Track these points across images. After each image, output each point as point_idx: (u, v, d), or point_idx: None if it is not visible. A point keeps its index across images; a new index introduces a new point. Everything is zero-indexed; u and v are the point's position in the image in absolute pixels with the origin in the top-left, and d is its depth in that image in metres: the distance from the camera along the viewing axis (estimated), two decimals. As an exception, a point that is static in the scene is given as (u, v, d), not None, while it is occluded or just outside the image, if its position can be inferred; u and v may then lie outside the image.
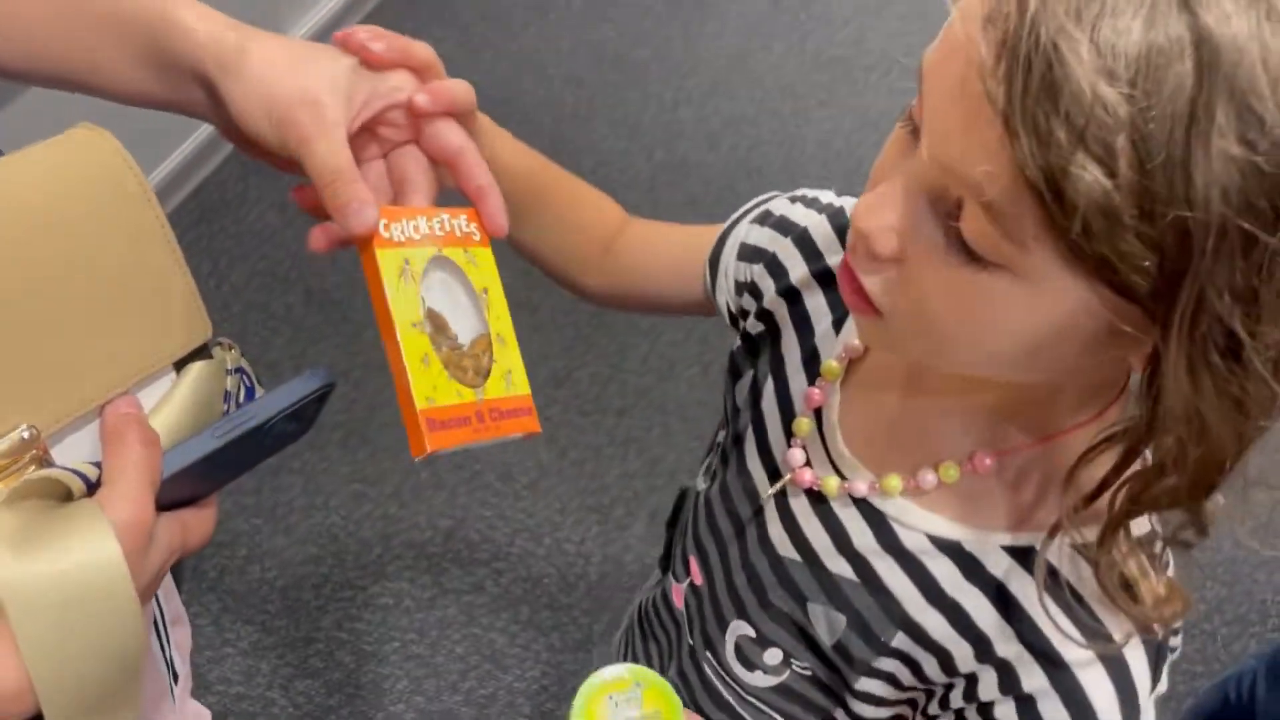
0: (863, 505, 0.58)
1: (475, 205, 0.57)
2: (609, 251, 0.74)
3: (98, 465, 0.44)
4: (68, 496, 0.43)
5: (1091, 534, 0.48)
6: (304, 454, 1.70)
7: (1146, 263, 0.36)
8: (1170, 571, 0.53)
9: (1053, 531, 0.49)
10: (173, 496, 0.46)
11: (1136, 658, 0.51)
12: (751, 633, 0.65)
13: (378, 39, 0.55)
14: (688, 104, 2.27)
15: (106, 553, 0.41)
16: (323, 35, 2.26)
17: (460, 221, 0.57)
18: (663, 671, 0.70)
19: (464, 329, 0.56)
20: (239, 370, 0.51)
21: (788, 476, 0.61)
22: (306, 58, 0.52)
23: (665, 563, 0.79)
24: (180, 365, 0.49)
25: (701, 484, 0.72)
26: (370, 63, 0.55)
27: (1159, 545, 0.51)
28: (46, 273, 0.44)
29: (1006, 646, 0.53)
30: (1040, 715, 0.52)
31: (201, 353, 0.49)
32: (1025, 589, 0.52)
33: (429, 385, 0.52)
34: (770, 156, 2.16)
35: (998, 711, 0.53)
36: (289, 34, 2.26)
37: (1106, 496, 0.47)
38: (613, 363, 1.86)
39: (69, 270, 0.45)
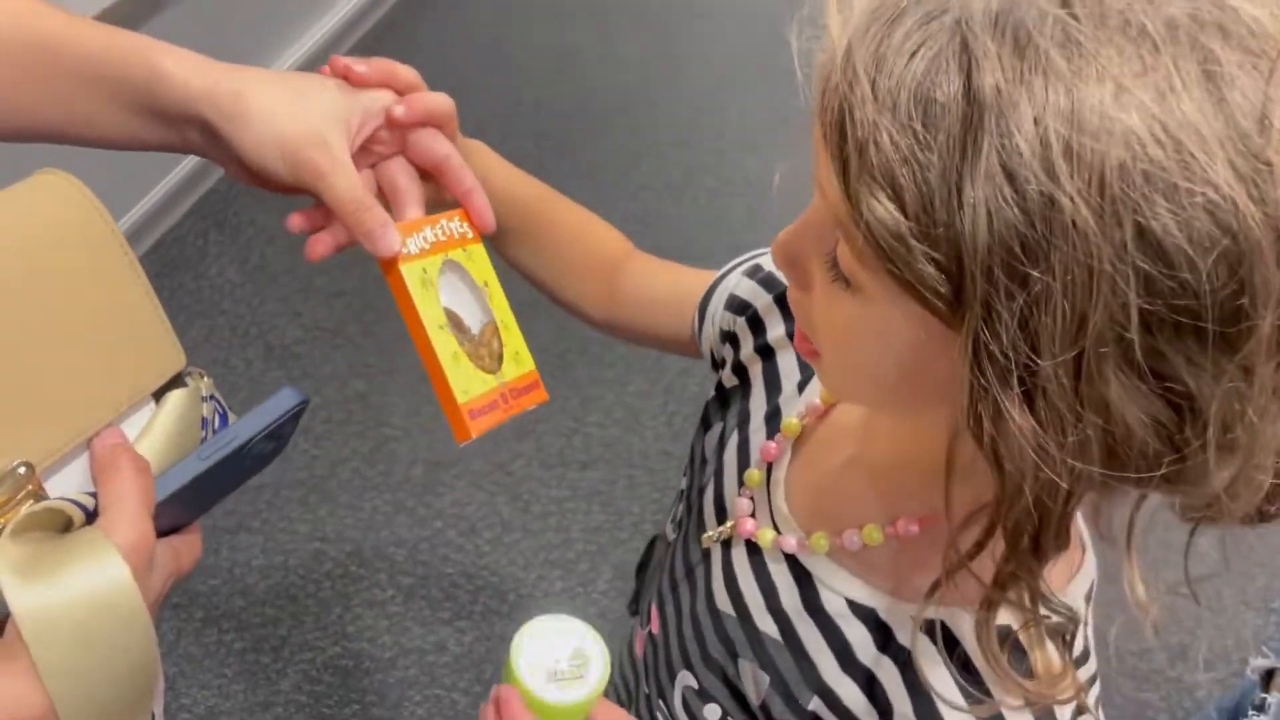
0: (792, 562, 0.59)
1: (463, 206, 0.63)
2: (611, 283, 0.77)
3: (92, 495, 0.46)
4: (68, 526, 0.45)
5: (1006, 617, 0.49)
6: (263, 513, 1.67)
7: (942, 288, 0.39)
8: (1089, 647, 0.55)
9: (930, 592, 0.50)
10: (163, 523, 0.47)
11: None
12: (695, 684, 0.66)
13: (361, 62, 0.59)
14: (652, 156, 2.29)
15: (117, 574, 0.42)
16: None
17: (455, 224, 0.62)
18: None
19: (474, 320, 0.61)
20: (212, 397, 0.53)
21: (729, 524, 0.63)
22: (303, 94, 0.56)
23: (634, 607, 0.80)
24: (158, 395, 0.51)
25: (671, 533, 0.73)
26: (354, 82, 0.59)
27: (1071, 628, 0.52)
28: (25, 314, 0.46)
29: (903, 710, 0.54)
30: None
31: (177, 382, 0.52)
32: (928, 663, 0.53)
33: (464, 379, 0.58)
34: (733, 206, 2.17)
35: None
36: (273, 65, 2.27)
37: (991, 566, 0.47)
38: (576, 415, 1.85)
39: (47, 310, 0.46)
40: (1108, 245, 0.36)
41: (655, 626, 0.71)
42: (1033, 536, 0.44)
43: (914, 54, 0.38)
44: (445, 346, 0.58)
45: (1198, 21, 0.37)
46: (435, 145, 0.61)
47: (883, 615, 0.56)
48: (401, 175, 0.61)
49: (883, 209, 0.39)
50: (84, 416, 0.48)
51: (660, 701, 0.70)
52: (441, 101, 0.61)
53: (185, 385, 0.52)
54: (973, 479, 0.47)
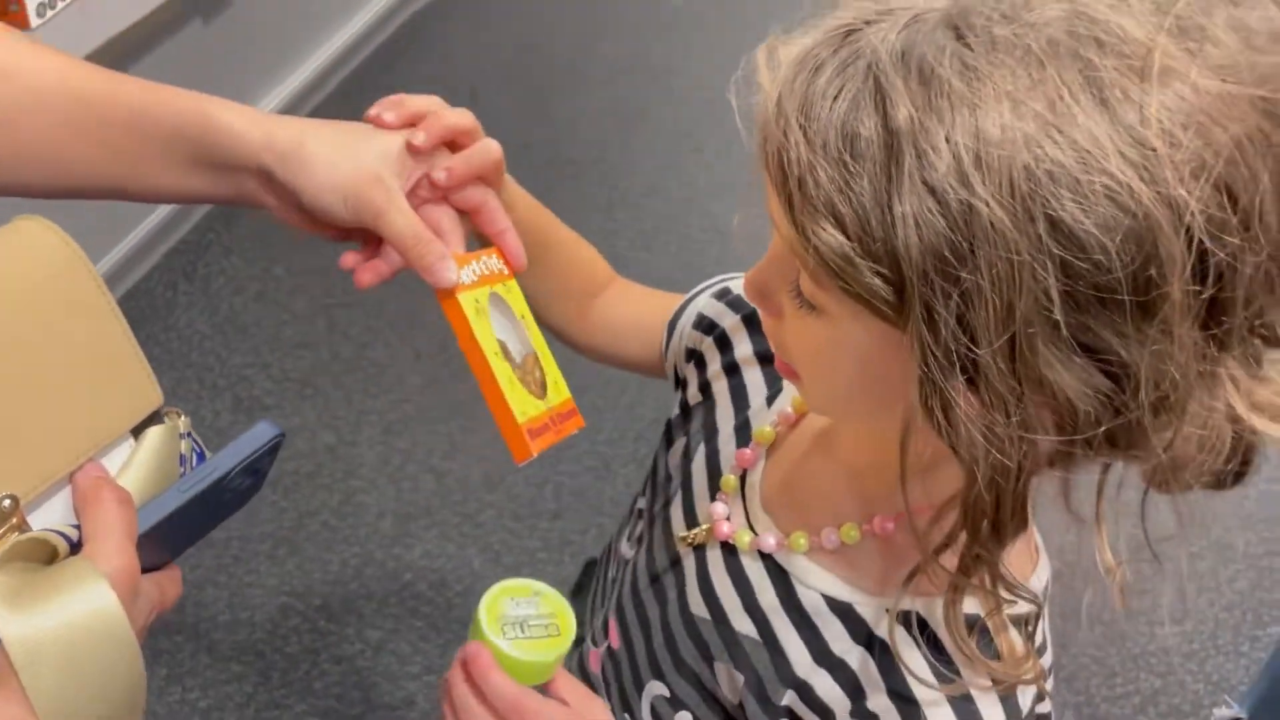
0: (769, 562, 0.62)
1: (497, 245, 0.67)
2: (593, 305, 0.81)
3: (75, 528, 0.47)
4: (53, 557, 0.46)
5: (973, 605, 0.53)
6: (229, 567, 1.65)
7: (888, 296, 0.44)
8: (1046, 643, 0.59)
9: (907, 581, 0.54)
10: (143, 559, 0.48)
11: (991, 707, 0.56)
12: (666, 693, 0.68)
13: (431, 131, 0.62)
14: (623, 206, 2.31)
15: (104, 601, 0.43)
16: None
17: (492, 260, 0.66)
18: None
19: (516, 350, 0.64)
20: (189, 435, 0.55)
21: (705, 526, 0.65)
22: (356, 139, 0.59)
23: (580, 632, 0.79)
24: (136, 432, 0.52)
25: (628, 551, 0.75)
26: (388, 128, 0.62)
27: (1033, 619, 0.57)
28: (7, 352, 0.47)
29: (876, 700, 0.57)
30: None
31: (154, 419, 0.53)
32: (904, 648, 0.56)
33: (521, 402, 0.61)
34: (705, 253, 2.19)
35: None
36: (259, 103, 2.27)
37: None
38: (548, 464, 1.84)
39: (28, 349, 0.48)
40: (1024, 239, 0.41)
41: (615, 641, 0.72)
42: (991, 519, 0.47)
43: (835, 97, 0.43)
44: (503, 372, 0.61)
45: (1075, 37, 0.42)
46: (475, 193, 0.65)
47: (859, 610, 0.59)
48: (445, 217, 0.64)
49: (828, 234, 0.44)
50: (66, 452, 0.49)
51: (625, 715, 0.71)
52: (491, 157, 0.64)
53: (163, 422, 0.53)
54: (935, 475, 0.52)
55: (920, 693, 0.56)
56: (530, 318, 0.67)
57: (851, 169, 0.43)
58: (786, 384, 0.67)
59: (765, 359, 0.69)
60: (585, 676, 0.76)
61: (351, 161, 0.58)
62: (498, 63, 2.66)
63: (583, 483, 1.82)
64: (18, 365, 0.48)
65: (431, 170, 0.63)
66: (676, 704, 0.67)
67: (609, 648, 0.74)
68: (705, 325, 0.72)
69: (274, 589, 1.64)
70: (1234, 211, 0.41)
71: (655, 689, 0.69)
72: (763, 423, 0.66)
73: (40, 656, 0.42)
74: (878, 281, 0.44)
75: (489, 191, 0.65)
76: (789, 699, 0.60)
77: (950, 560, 0.51)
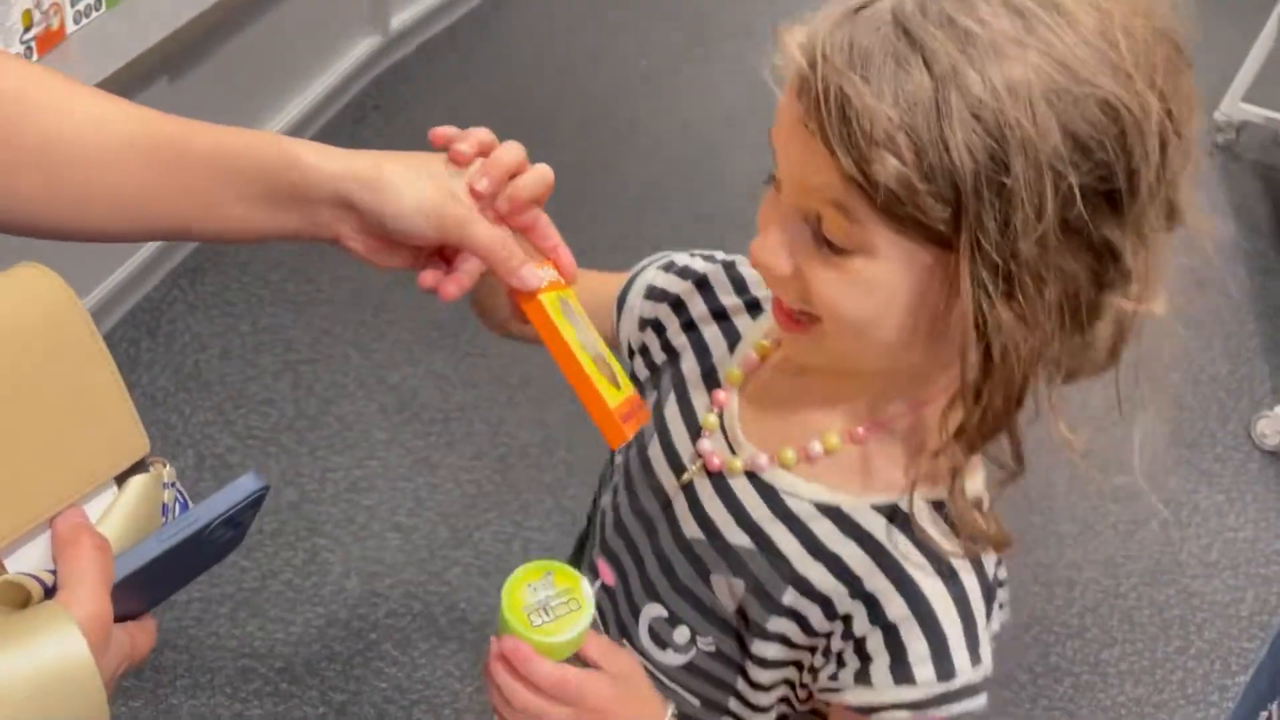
0: (757, 482, 0.69)
1: (551, 259, 0.71)
2: None
3: (51, 573, 0.47)
4: (26, 601, 0.46)
5: (941, 491, 0.63)
6: (189, 629, 1.61)
7: (943, 212, 0.53)
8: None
9: (910, 470, 0.63)
10: (118, 608, 0.48)
11: (968, 573, 0.65)
12: (664, 613, 0.75)
13: (493, 178, 0.66)
14: (592, 254, 2.32)
15: (74, 648, 0.44)
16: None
17: (549, 271, 0.70)
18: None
19: (589, 349, 0.68)
20: (174, 485, 0.55)
21: (698, 464, 0.72)
22: (425, 163, 0.63)
23: None
24: (121, 479, 0.53)
25: (607, 500, 0.81)
26: (454, 159, 0.66)
27: (987, 500, 0.65)
28: (7, 399, 0.48)
29: (873, 581, 0.65)
30: (902, 641, 0.64)
31: (139, 468, 0.54)
32: (890, 536, 0.65)
33: (608, 391, 0.64)
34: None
35: (869, 645, 0.65)
36: (268, 125, 2.27)
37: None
38: (515, 519, 1.83)
39: (21, 391, 0.49)
40: (1047, 146, 0.52)
41: (609, 579, 0.80)
42: (1015, 396, 0.57)
43: (882, 54, 0.53)
44: (588, 362, 0.64)
45: None
46: (529, 211, 0.69)
47: (845, 509, 0.66)
48: (507, 235, 0.68)
49: (893, 165, 0.52)
50: (48, 496, 0.49)
51: (624, 640, 0.78)
52: (547, 176, 0.69)
53: (147, 471, 0.54)
54: (924, 380, 0.64)
55: (912, 570, 0.64)
56: (589, 322, 0.71)
57: (908, 110, 0.52)
58: (746, 333, 0.75)
59: (720, 315, 0.77)
60: None
61: (430, 181, 0.62)
62: (464, 123, 2.68)
63: (551, 539, 1.80)
64: (7, 407, 0.48)
65: (496, 201, 0.67)
66: (674, 621, 0.74)
67: (602, 585, 0.80)
68: (658, 294, 0.80)
69: (235, 651, 1.61)
70: (1170, 115, 0.54)
71: (652, 611, 0.76)
72: (729, 366, 0.74)
73: (8, 699, 0.42)
74: (933, 202, 0.53)
75: (540, 211, 0.69)
76: (790, 597, 0.67)
77: (942, 456, 0.61)
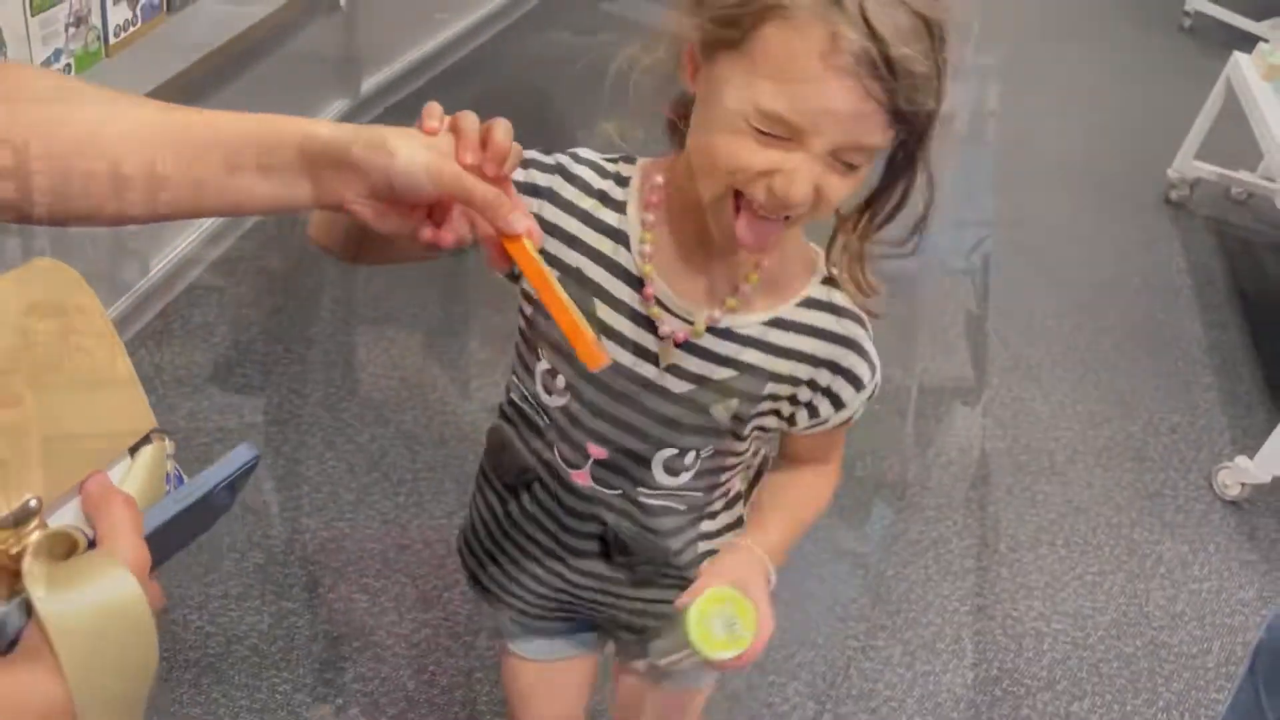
0: (718, 330, 0.89)
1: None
2: None
3: (82, 532, 0.53)
4: (71, 550, 0.52)
5: (824, 273, 0.91)
6: (150, 695, 1.58)
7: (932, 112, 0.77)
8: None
9: (828, 254, 0.89)
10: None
11: (868, 341, 0.92)
12: (674, 451, 0.94)
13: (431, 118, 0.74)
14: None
15: (127, 587, 0.50)
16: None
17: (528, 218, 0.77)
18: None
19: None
20: (172, 457, 0.62)
21: (665, 347, 0.89)
22: (417, 134, 0.72)
23: (508, 480, 1.02)
24: (133, 451, 0.59)
25: (559, 399, 0.94)
26: (428, 133, 0.73)
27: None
28: (35, 377, 0.55)
29: (824, 350, 0.90)
30: (853, 371, 0.91)
31: (146, 440, 0.60)
32: (823, 317, 0.90)
33: (584, 321, 0.70)
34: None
35: (834, 386, 0.92)
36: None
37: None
38: (485, 581, 1.81)
39: (50, 372, 0.56)
40: (944, 52, 0.77)
41: (602, 454, 0.94)
42: (892, 207, 0.85)
43: (906, 29, 0.73)
44: (567, 297, 0.71)
45: None
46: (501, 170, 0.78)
47: (784, 315, 0.90)
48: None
49: (927, 99, 0.74)
50: (78, 463, 0.56)
51: (639, 489, 0.96)
52: (515, 151, 0.75)
53: (153, 443, 0.60)
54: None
55: (838, 329, 0.90)
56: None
57: (931, 61, 0.74)
58: (623, 227, 0.89)
59: (586, 219, 0.90)
60: (574, 493, 0.98)
61: (427, 145, 0.70)
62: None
63: (520, 599, 1.79)
64: (42, 388, 0.55)
65: (483, 165, 0.74)
66: (683, 453, 0.94)
67: (594, 462, 0.95)
68: (530, 189, 0.90)
69: (198, 718, 1.58)
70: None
71: (665, 454, 0.94)
72: (634, 261, 0.89)
73: (72, 635, 0.48)
74: (932, 109, 0.76)
75: (508, 175, 0.78)
76: (769, 387, 0.91)
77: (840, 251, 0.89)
